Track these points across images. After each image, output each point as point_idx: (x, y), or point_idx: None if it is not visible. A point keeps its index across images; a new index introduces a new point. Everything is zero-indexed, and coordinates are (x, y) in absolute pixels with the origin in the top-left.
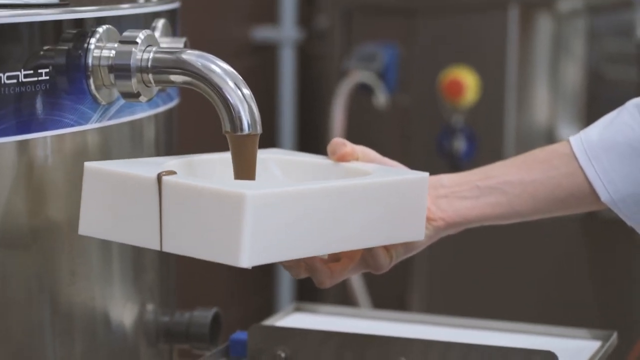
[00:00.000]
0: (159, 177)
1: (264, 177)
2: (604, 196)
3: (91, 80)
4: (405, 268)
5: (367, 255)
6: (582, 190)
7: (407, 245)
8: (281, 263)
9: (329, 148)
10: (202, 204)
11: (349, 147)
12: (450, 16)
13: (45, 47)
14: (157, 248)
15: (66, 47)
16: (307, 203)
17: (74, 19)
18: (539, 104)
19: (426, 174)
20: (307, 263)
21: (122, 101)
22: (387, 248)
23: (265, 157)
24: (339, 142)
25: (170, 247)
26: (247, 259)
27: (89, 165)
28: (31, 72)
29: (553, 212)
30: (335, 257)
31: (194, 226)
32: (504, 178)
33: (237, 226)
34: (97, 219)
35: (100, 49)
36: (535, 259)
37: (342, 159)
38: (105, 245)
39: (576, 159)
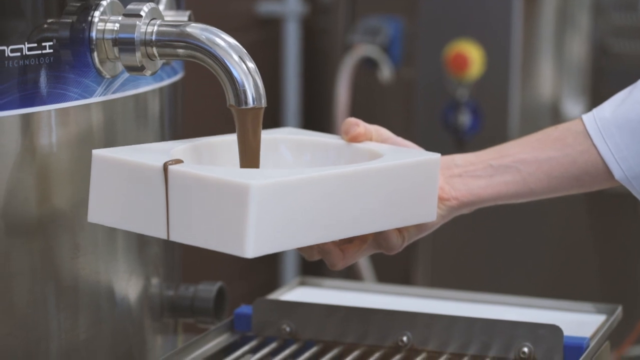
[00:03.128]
0: (165, 166)
1: (273, 160)
2: (617, 174)
3: (95, 54)
4: None
5: (379, 237)
6: (596, 168)
7: (419, 226)
8: None
9: (342, 128)
10: (207, 194)
11: (362, 127)
12: None
13: (49, 20)
14: (165, 237)
15: (70, 20)
16: (314, 191)
17: None
18: (544, 78)
19: (438, 155)
20: (319, 245)
21: (126, 75)
22: (399, 229)
23: (276, 138)
24: (352, 122)
25: (176, 237)
26: (252, 250)
27: (96, 152)
28: (35, 45)
29: (568, 190)
30: (347, 239)
31: (199, 216)
32: (519, 156)
33: (242, 217)
34: (105, 207)
35: (104, 22)
36: (539, 233)
37: (355, 139)
38: None
39: (589, 136)
